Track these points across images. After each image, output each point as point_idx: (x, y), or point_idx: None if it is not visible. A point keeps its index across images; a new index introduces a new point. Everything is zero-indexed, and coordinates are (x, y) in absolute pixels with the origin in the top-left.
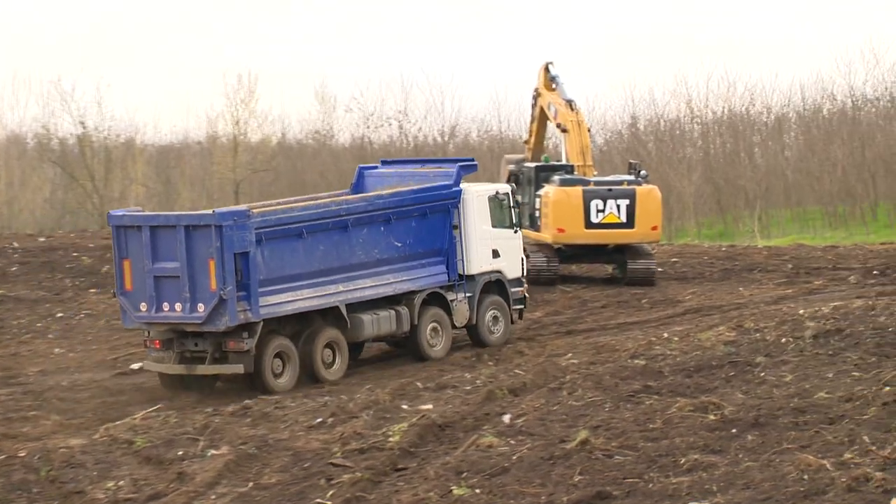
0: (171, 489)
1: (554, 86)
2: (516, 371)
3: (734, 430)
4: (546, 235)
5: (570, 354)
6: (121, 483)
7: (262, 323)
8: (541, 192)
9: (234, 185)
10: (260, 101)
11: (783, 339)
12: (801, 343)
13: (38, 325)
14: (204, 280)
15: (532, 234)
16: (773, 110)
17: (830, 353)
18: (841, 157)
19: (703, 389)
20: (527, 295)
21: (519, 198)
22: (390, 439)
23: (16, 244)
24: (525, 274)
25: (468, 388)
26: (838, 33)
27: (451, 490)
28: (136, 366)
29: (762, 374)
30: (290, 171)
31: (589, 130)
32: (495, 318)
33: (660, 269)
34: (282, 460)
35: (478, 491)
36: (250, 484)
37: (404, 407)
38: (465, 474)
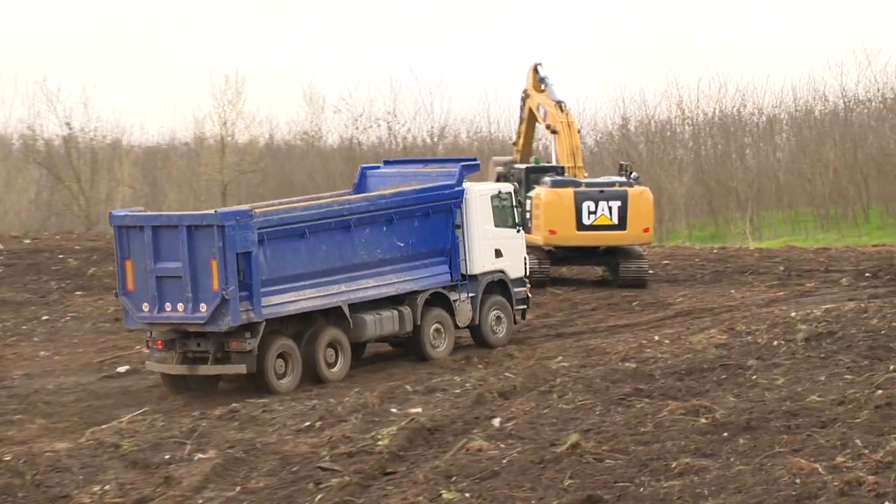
0: (157, 493)
1: (543, 87)
2: (506, 374)
3: (725, 434)
4: (537, 237)
5: (560, 357)
6: (107, 487)
7: (264, 323)
8: (532, 193)
9: (222, 186)
10: (247, 101)
11: (775, 342)
12: (793, 346)
13: (24, 327)
14: (206, 280)
15: None
16: (764, 111)
17: (822, 356)
18: (833, 158)
19: (694, 393)
20: (530, 295)
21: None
22: (379, 443)
23: (1, 246)
24: (528, 274)
25: (458, 391)
26: (830, 34)
27: (440, 494)
28: (122, 369)
29: (754, 377)
30: (278, 173)
31: (579, 132)
32: (498, 318)
33: (651, 272)
34: (270, 464)
35: (467, 495)
36: (238, 488)
37: (393, 410)
38: (454, 478)
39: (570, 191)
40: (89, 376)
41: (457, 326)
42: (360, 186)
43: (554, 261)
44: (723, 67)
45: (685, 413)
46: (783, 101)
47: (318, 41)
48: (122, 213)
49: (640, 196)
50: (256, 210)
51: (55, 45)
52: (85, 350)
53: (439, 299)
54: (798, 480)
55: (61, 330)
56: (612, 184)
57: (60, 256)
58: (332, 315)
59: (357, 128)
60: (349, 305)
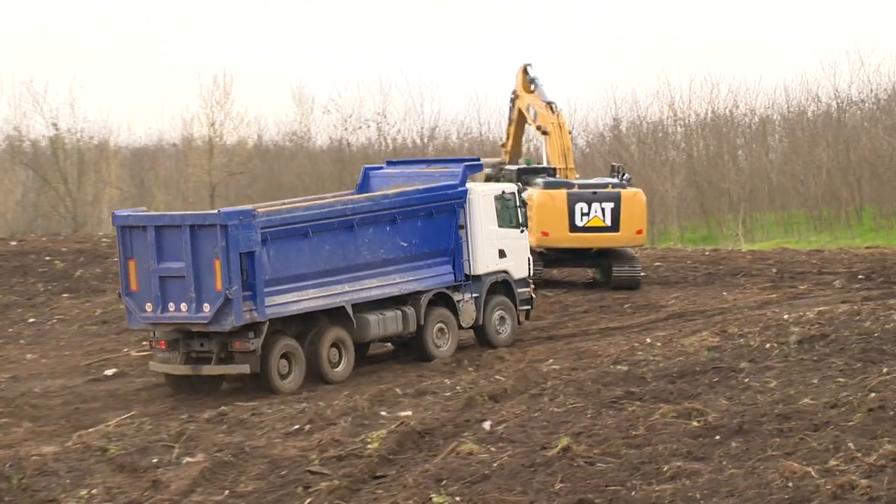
0: (145, 497)
1: (533, 87)
2: (497, 377)
3: (718, 437)
4: (530, 239)
5: (551, 360)
6: (94, 491)
7: (267, 323)
8: (524, 194)
9: (210, 188)
10: (236, 102)
11: (767, 345)
12: (786, 349)
13: (10, 330)
14: (209, 280)
15: None
16: (757, 112)
17: (815, 358)
18: (826, 159)
19: (686, 395)
20: (534, 295)
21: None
22: (369, 446)
23: None
24: (532, 274)
25: (448, 394)
26: (823, 34)
27: (430, 498)
28: (109, 372)
29: (746, 380)
30: (267, 174)
31: (570, 133)
32: (502, 318)
33: (643, 274)
34: (258, 468)
35: (458, 499)
36: (226, 492)
37: (383, 413)
38: (444, 482)
39: (562, 192)
40: (76, 379)
41: (460, 327)
42: (363, 187)
43: (546, 263)
44: (715, 68)
45: (677, 416)
46: (776, 101)
47: (307, 41)
48: (125, 214)
49: (634, 198)
50: (259, 210)
51: (42, 45)
52: (72, 353)
53: (443, 299)
54: (791, 484)
55: (48, 332)
56: (605, 185)
57: (47, 258)
58: (335, 315)
59: (346, 129)
60: (353, 305)
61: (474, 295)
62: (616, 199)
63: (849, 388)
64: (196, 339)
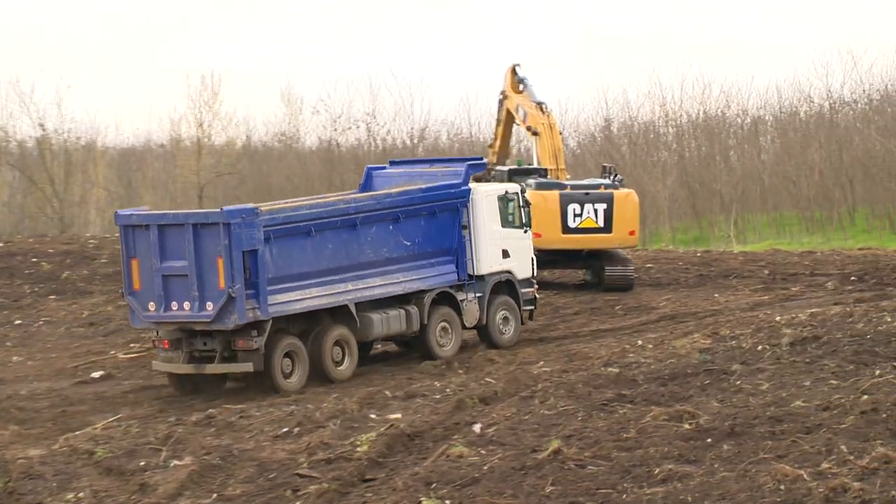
0: (132, 501)
1: (522, 88)
2: (487, 379)
3: (709, 440)
4: None
5: (541, 362)
6: (81, 495)
7: (270, 321)
8: None
9: (198, 189)
10: (224, 102)
11: (759, 347)
12: (778, 351)
13: None
14: (212, 278)
15: None
16: (749, 113)
17: (807, 360)
18: (818, 160)
19: (677, 398)
20: (537, 295)
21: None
22: (358, 449)
23: None
24: (535, 274)
25: (438, 396)
26: (816, 34)
27: (420, 501)
28: (96, 374)
29: (738, 382)
30: (256, 175)
31: (561, 133)
32: (505, 318)
33: (634, 275)
34: (247, 471)
35: (447, 502)
36: (214, 495)
37: (372, 416)
38: (434, 485)
39: (555, 193)
40: (63, 382)
41: (464, 326)
42: (366, 187)
43: (538, 264)
44: (707, 68)
45: (668, 419)
46: (768, 102)
47: (296, 42)
48: (128, 213)
49: (626, 198)
50: (262, 208)
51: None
52: (59, 355)
53: (446, 299)
54: (783, 487)
55: (34, 335)
56: (598, 186)
57: (34, 260)
58: (338, 314)
59: (335, 129)
60: (356, 304)
61: (478, 294)
62: (609, 200)
63: (841, 391)
64: (199, 337)
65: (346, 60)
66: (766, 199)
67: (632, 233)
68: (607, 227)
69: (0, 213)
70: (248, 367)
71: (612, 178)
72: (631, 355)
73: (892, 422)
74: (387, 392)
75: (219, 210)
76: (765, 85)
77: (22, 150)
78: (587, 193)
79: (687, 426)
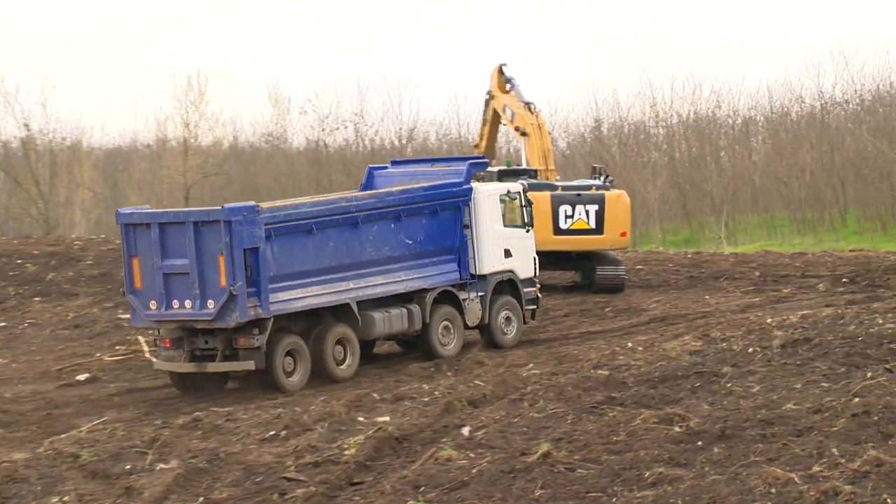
0: None
1: (509, 88)
2: (476, 382)
3: (700, 443)
4: None
5: (531, 365)
6: (66, 498)
7: (272, 319)
8: None
9: (185, 189)
10: (211, 102)
11: (750, 349)
12: (769, 353)
13: None
14: (213, 276)
15: None
16: (740, 113)
17: (799, 363)
18: (809, 161)
19: (668, 401)
20: (540, 295)
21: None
22: (346, 452)
23: None
24: (537, 274)
25: (426, 399)
26: (807, 35)
27: None
28: (81, 377)
29: (729, 384)
30: (243, 176)
31: (550, 134)
32: (508, 318)
33: (626, 276)
34: (233, 474)
35: None
36: (201, 499)
37: (360, 419)
38: (422, 488)
39: (546, 194)
40: (48, 384)
41: (466, 326)
42: (368, 186)
43: None
44: (697, 68)
45: (658, 421)
46: (759, 102)
47: (284, 42)
48: (129, 211)
49: (618, 200)
50: (263, 206)
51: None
52: (43, 357)
53: (448, 298)
54: (774, 490)
55: (19, 337)
56: (589, 187)
57: (18, 261)
58: (340, 312)
59: (323, 130)
60: (358, 303)
61: (480, 294)
62: (600, 202)
63: (832, 393)
64: (200, 336)
65: (334, 61)
66: (757, 200)
67: (623, 234)
68: (599, 229)
69: None
70: (249, 365)
71: (602, 179)
72: (621, 358)
73: (883, 424)
74: (375, 394)
75: (220, 208)
76: (756, 85)
77: (6, 150)
78: (579, 195)
79: (677, 429)
